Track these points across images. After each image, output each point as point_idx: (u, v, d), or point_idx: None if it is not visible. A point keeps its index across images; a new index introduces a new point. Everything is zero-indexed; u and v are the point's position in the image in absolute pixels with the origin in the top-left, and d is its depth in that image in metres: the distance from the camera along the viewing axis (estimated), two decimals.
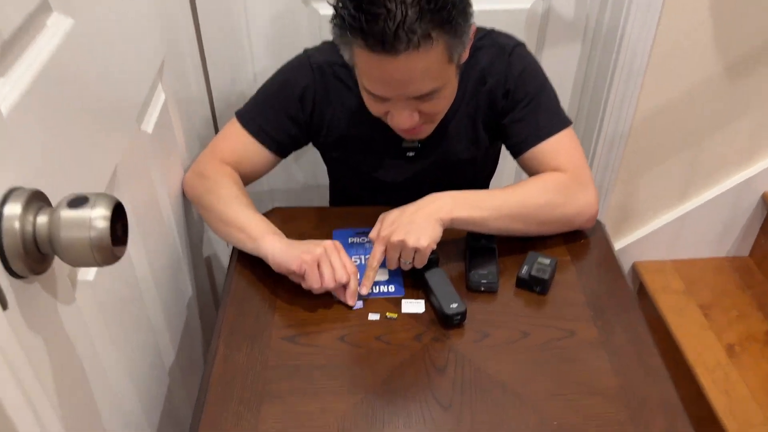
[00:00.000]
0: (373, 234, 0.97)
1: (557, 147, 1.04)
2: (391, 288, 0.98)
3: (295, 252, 0.92)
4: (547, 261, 0.98)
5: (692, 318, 1.54)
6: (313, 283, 0.91)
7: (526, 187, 1.02)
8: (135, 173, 0.91)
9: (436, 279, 0.95)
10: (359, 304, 0.95)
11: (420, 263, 0.94)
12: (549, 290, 0.97)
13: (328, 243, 0.93)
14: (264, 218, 1.01)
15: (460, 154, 1.12)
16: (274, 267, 0.94)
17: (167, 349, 1.03)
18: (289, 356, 0.87)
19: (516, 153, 1.08)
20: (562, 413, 0.80)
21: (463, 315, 0.91)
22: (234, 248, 1.07)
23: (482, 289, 0.96)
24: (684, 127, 1.53)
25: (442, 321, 0.91)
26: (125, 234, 0.62)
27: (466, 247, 1.03)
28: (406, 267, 0.95)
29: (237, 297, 0.97)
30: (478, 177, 1.24)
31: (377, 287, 0.98)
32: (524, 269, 0.97)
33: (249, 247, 0.99)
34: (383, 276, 0.99)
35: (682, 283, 1.62)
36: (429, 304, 0.95)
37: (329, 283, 0.91)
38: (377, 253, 0.95)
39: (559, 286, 0.98)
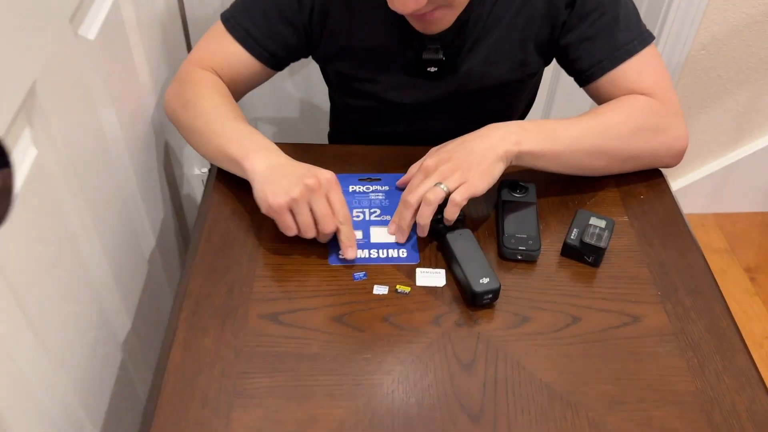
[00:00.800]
0: (413, 168, 0.80)
1: (640, 68, 0.83)
2: (403, 252, 0.77)
3: (271, 188, 0.72)
4: (602, 223, 0.77)
5: (736, 282, 1.35)
6: (285, 230, 0.73)
7: (609, 113, 0.81)
8: (66, 93, 0.68)
9: (462, 243, 0.74)
10: (361, 275, 0.74)
11: (451, 214, 0.73)
12: (603, 261, 0.76)
13: (310, 180, 0.71)
14: (253, 130, 0.81)
15: (499, 78, 0.89)
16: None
17: (119, 317, 0.83)
18: (270, 341, 0.67)
19: (586, 80, 0.86)
20: (628, 427, 0.61)
21: (495, 293, 0.70)
22: (206, 189, 0.85)
23: (519, 257, 0.75)
24: (747, 59, 1.29)
25: (469, 299, 0.71)
26: (8, 191, 0.40)
27: (497, 200, 0.82)
28: (425, 215, 0.73)
29: (206, 258, 0.75)
30: (515, 109, 1.00)
31: (384, 251, 0.76)
32: (573, 233, 0.76)
33: (236, 172, 0.80)
34: (393, 237, 0.78)
35: (725, 241, 1.43)
36: (451, 275, 0.74)
37: (307, 233, 0.73)
38: (415, 187, 0.75)
39: (616, 256, 0.77)
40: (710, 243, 1.42)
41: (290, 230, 0.73)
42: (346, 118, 1.06)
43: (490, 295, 0.70)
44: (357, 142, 0.99)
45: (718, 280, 0.77)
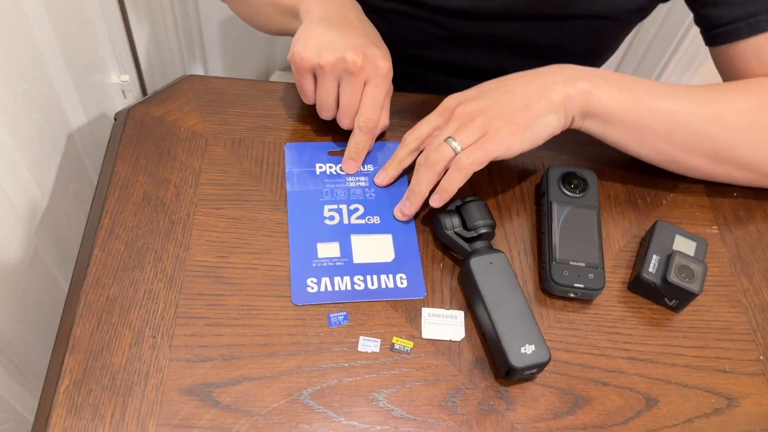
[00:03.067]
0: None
1: None
2: (402, 280, 0.52)
3: (306, 36, 0.54)
4: (691, 246, 0.53)
5: None
6: (301, 95, 0.57)
7: (736, 94, 0.55)
8: None
9: (493, 277, 0.49)
10: (340, 319, 0.49)
11: (449, 184, 0.51)
12: None
13: (352, 56, 0.52)
14: None
15: (597, 4, 0.62)
16: None
17: None
18: None
19: (720, 38, 0.58)
20: None
21: (541, 367, 0.47)
22: (107, 152, 0.57)
23: (572, 296, 0.52)
24: None
25: (502, 372, 0.48)
26: None
27: (541, 200, 0.56)
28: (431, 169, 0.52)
29: (100, 283, 0.49)
30: (597, 57, 0.72)
31: (374, 278, 0.51)
32: (653, 263, 0.52)
33: (287, 30, 0.62)
34: (386, 254, 0.53)
35: None
36: (473, 319, 0.51)
37: (321, 111, 0.56)
38: (423, 128, 0.55)
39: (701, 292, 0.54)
40: None
41: (305, 97, 0.56)
42: None
43: (534, 370, 0.47)
44: None
45: None
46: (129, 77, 0.93)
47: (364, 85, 0.54)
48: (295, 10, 0.58)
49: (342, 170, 0.57)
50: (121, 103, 0.95)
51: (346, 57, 0.52)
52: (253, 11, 0.65)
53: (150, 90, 1.02)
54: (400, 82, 0.74)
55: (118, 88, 0.94)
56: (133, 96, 0.95)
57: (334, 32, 0.54)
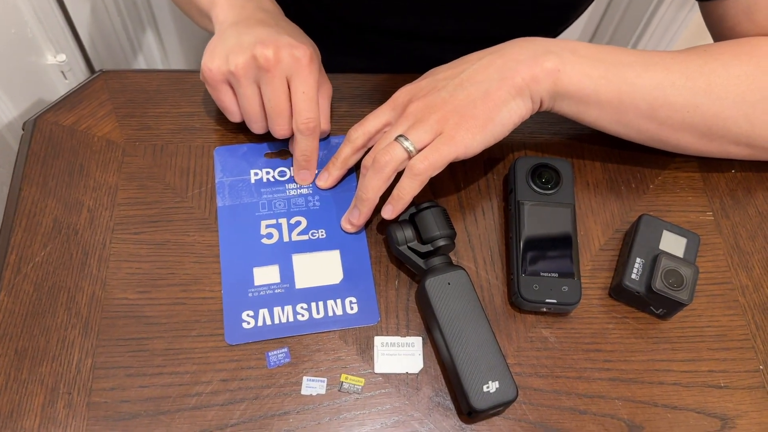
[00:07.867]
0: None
1: None
2: (352, 305, 0.46)
3: (213, 47, 0.48)
4: (680, 244, 0.47)
5: None
6: (224, 112, 0.50)
7: (726, 58, 0.47)
8: None
9: (452, 301, 0.43)
10: (280, 357, 0.43)
11: (404, 192, 0.44)
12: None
13: (262, 51, 0.45)
14: None
15: None
16: None
17: None
18: None
19: None
20: None
21: (507, 405, 0.41)
22: (14, 174, 0.50)
23: (544, 309, 0.46)
24: None
25: (464, 409, 0.42)
26: None
27: (508, 198, 0.49)
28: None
29: (8, 332, 0.43)
30: (575, 6, 0.63)
31: (319, 305, 0.45)
32: (636, 267, 0.46)
33: (211, 28, 0.54)
34: (334, 275, 0.46)
35: None
36: (433, 346, 0.45)
37: (251, 124, 0.49)
38: (371, 124, 0.48)
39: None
40: None
41: (230, 114, 0.49)
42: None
43: (500, 408, 0.41)
44: (317, 30, 0.62)
45: None
46: (66, 56, 0.85)
47: (290, 83, 0.46)
48: (208, 15, 0.52)
49: (297, 181, 0.50)
50: (63, 86, 0.87)
51: (255, 53, 0.45)
52: (179, 2, 0.57)
53: (97, 67, 0.94)
54: (362, 49, 0.66)
55: (57, 70, 0.86)
56: (75, 76, 0.87)
57: (241, 35, 0.47)
